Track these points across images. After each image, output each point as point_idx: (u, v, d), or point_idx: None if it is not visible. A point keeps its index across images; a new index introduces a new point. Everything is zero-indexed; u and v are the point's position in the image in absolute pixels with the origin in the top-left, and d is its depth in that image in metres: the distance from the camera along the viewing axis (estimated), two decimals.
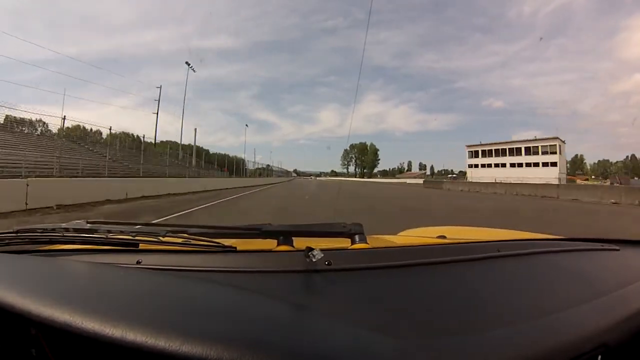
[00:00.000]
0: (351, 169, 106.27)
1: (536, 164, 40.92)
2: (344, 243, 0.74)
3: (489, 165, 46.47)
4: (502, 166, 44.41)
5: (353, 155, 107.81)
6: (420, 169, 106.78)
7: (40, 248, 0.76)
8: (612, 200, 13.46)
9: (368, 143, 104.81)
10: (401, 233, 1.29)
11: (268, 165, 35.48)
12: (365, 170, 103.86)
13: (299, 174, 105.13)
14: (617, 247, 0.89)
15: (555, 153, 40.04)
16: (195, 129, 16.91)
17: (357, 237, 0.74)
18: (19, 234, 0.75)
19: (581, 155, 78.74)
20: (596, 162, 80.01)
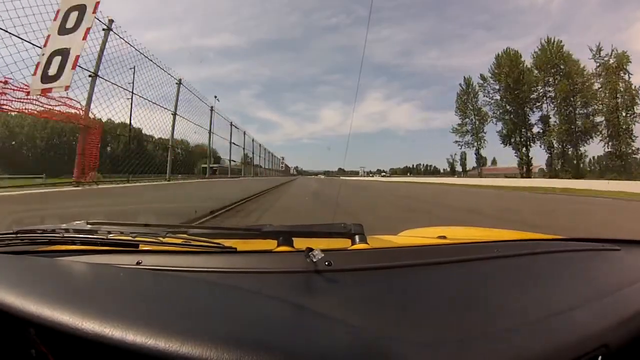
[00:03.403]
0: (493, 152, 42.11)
1: None
2: (344, 243, 0.74)
3: None
4: None
5: (501, 96, 37.07)
6: (479, 165, 53.08)
7: (40, 249, 0.75)
8: None
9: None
10: (401, 233, 1.29)
11: (247, 157, 14.52)
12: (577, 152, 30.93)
13: (300, 172, 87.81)
14: (618, 247, 0.88)
15: None
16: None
17: (357, 238, 0.74)
18: (18, 235, 0.75)
19: None
20: None
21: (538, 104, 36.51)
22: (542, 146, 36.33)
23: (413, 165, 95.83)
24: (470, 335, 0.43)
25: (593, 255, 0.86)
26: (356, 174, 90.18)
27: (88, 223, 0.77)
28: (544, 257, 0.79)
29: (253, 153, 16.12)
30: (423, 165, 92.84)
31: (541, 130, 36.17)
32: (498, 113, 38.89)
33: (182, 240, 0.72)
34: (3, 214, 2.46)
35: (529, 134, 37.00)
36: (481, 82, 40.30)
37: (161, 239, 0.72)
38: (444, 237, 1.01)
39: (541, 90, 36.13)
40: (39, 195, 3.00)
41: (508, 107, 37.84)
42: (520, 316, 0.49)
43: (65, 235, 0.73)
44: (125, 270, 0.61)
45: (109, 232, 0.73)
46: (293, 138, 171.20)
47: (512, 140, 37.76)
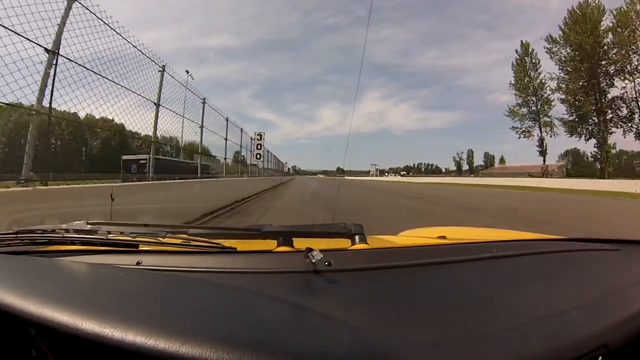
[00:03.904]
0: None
1: None
2: (344, 244, 0.74)
3: None
4: None
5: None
6: (487, 165, 61.34)
7: (40, 249, 0.75)
8: None
9: None
10: (401, 233, 1.29)
11: (238, 154, 12.81)
12: None
13: (298, 172, 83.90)
14: (618, 247, 0.88)
15: None
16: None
17: (357, 238, 0.74)
18: (18, 235, 0.75)
19: None
20: None
21: (614, 78, 26.16)
22: (626, 135, 26.54)
23: (414, 165, 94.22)
24: (471, 335, 0.43)
25: (593, 255, 0.86)
26: (357, 173, 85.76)
27: (88, 223, 0.77)
28: (544, 257, 0.79)
29: (226, 140, 11.27)
30: (424, 164, 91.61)
31: (626, 114, 26.01)
32: (568, 89, 27.81)
33: (182, 240, 0.72)
34: (3, 214, 2.45)
35: (605, 119, 26.98)
36: (548, 46, 27.87)
37: (161, 239, 0.72)
38: (444, 237, 1.01)
39: (623, 60, 25.58)
40: (38, 194, 2.89)
41: (580, 82, 26.85)
42: (520, 316, 0.49)
43: (65, 235, 0.73)
44: (125, 270, 0.61)
45: (109, 232, 0.73)
46: (291, 138, 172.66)
47: (581, 127, 27.69)
